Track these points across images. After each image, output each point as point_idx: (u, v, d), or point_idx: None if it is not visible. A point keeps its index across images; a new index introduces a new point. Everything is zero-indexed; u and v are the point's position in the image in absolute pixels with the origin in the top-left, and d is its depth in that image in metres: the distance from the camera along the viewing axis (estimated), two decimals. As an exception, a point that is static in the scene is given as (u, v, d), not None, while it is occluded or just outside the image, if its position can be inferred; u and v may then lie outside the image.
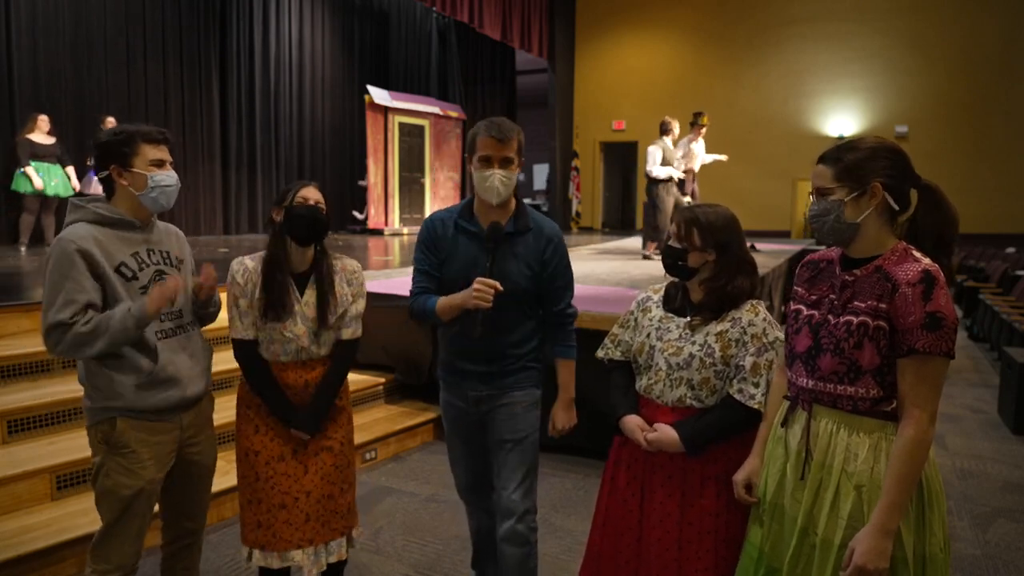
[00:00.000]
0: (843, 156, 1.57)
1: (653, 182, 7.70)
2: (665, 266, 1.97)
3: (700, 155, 8.27)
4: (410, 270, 7.17)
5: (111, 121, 7.82)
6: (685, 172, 8.12)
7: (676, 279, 1.98)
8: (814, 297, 1.65)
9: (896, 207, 1.55)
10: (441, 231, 2.22)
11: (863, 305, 1.52)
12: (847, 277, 1.58)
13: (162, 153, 2.01)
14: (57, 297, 1.87)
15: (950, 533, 1.62)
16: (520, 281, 2.16)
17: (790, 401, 1.69)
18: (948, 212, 1.58)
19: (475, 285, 1.99)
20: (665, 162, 7.66)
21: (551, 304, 2.26)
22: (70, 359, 3.70)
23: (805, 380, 1.62)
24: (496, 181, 2.11)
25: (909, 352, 1.46)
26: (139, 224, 2.02)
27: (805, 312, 1.65)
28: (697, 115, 8.22)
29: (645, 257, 8.16)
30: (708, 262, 1.90)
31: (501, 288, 2.00)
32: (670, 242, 1.95)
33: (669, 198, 7.66)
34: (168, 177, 2.01)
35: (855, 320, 1.52)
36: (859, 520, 1.51)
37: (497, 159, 2.11)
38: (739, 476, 1.80)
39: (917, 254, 1.53)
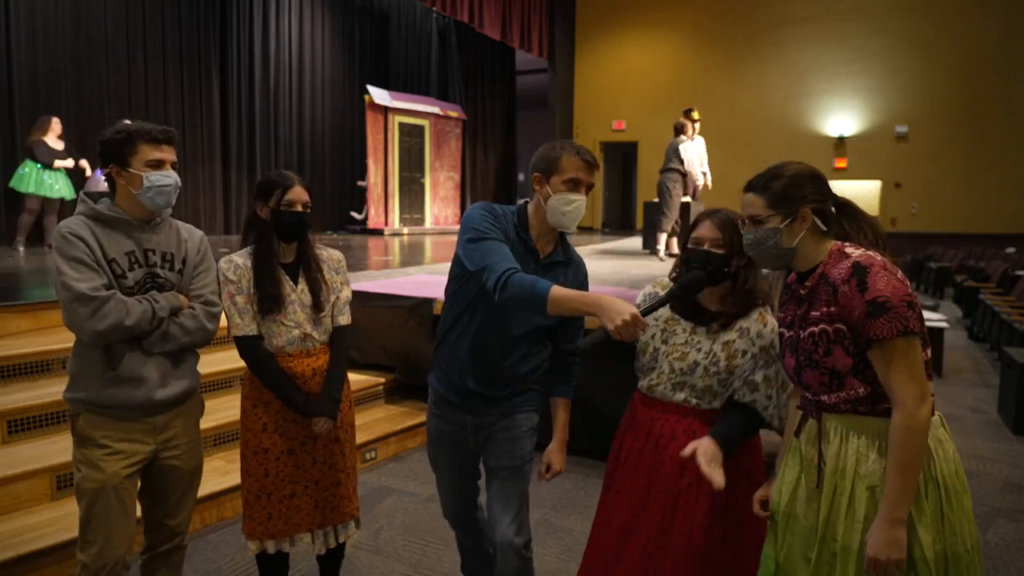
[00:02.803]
0: (771, 184, 1.63)
1: (669, 172, 7.75)
2: (711, 275, 1.83)
3: (695, 154, 8.28)
4: (411, 269, 7.13)
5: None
6: (683, 175, 8.16)
7: (712, 286, 1.87)
8: (788, 318, 1.70)
9: (824, 228, 1.62)
10: (504, 222, 2.01)
11: (817, 314, 1.57)
12: (801, 291, 1.64)
13: (162, 153, 1.99)
14: (75, 271, 1.88)
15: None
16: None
17: (802, 411, 1.72)
18: (869, 218, 1.68)
19: (626, 316, 1.63)
20: (679, 160, 7.77)
21: (565, 341, 2.14)
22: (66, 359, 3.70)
23: (807, 394, 1.66)
24: (583, 208, 1.97)
25: (869, 343, 1.49)
26: (136, 223, 2.01)
27: (787, 334, 1.69)
28: (687, 112, 8.24)
29: (654, 251, 8.11)
30: (740, 267, 1.83)
31: (643, 333, 1.76)
32: (706, 247, 1.84)
33: (679, 189, 7.76)
34: (164, 177, 1.98)
35: (816, 330, 1.57)
36: (874, 520, 1.50)
37: (585, 184, 1.98)
38: (758, 493, 1.81)
39: (849, 249, 1.58)
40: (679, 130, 7.91)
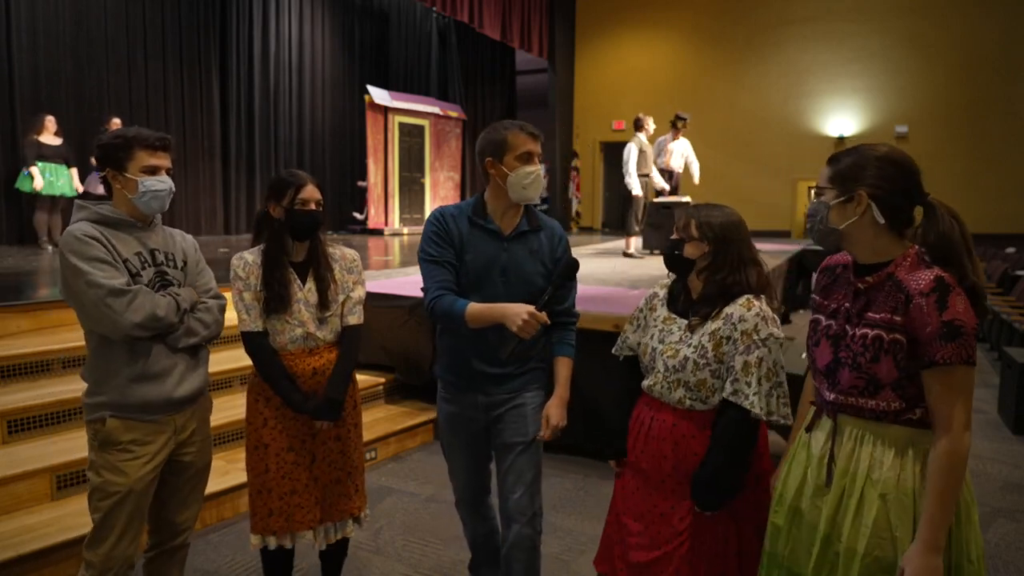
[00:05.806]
0: (841, 159, 1.56)
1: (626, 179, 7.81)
2: (665, 259, 1.98)
3: (677, 153, 8.38)
4: (410, 269, 7.14)
5: (116, 122, 7.87)
6: (663, 171, 8.29)
7: (676, 274, 1.98)
8: (832, 306, 1.62)
9: (881, 220, 1.49)
10: (453, 226, 2.14)
11: (877, 317, 1.49)
12: (860, 285, 1.55)
13: (158, 159, 2.02)
14: (99, 270, 1.89)
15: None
16: (537, 280, 2.15)
17: (816, 407, 1.68)
18: (948, 231, 1.49)
19: (523, 315, 1.86)
20: (642, 160, 7.76)
21: (556, 303, 2.18)
22: (72, 360, 3.70)
23: (828, 393, 1.60)
24: (541, 177, 2.12)
25: (931, 364, 1.42)
26: (139, 225, 2.05)
27: (824, 323, 1.63)
28: (677, 116, 8.36)
29: (626, 255, 8.18)
30: (704, 254, 1.88)
31: (548, 323, 1.93)
32: (671, 236, 1.97)
33: (643, 191, 7.81)
34: (159, 183, 2.01)
35: (870, 333, 1.49)
36: (884, 529, 1.48)
37: (536, 155, 2.12)
38: (773, 480, 1.81)
39: (929, 259, 1.49)
40: (638, 126, 7.87)
